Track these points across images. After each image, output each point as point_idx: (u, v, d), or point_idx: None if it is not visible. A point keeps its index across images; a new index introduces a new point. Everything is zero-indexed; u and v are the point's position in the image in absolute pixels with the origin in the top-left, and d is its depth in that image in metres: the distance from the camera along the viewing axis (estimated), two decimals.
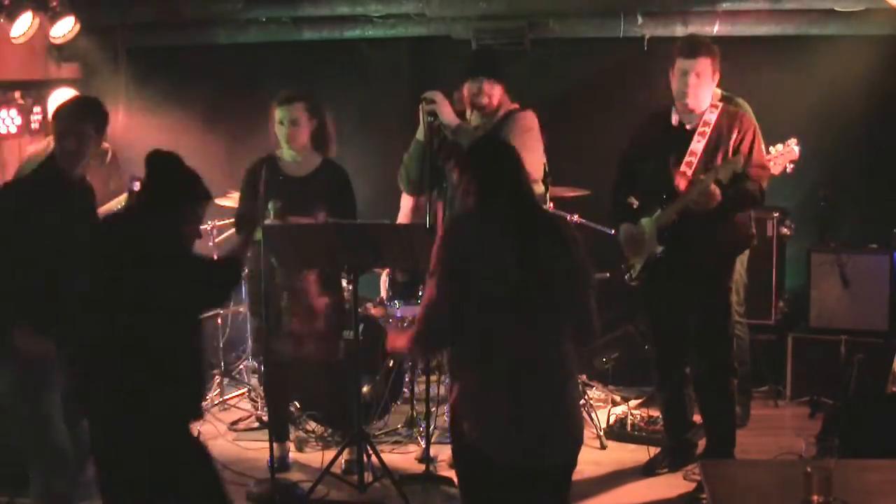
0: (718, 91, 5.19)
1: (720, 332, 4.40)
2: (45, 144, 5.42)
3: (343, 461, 4.67)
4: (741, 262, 5.19)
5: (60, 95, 5.48)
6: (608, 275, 5.09)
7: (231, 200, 5.74)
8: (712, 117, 4.27)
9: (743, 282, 5.29)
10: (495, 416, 2.88)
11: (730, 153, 4.21)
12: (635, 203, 4.48)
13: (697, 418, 4.64)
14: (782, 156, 4.94)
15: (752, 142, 4.26)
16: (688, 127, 4.30)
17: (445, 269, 2.92)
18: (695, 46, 4.22)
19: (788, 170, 4.97)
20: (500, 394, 2.88)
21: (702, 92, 4.23)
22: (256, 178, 4.42)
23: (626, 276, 4.52)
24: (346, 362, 4.70)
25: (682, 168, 4.23)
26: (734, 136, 4.23)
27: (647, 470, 4.68)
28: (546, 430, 2.88)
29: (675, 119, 4.35)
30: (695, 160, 4.23)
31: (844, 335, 5.46)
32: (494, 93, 4.37)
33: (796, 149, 4.89)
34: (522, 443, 2.85)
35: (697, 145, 4.23)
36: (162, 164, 3.26)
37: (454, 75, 4.57)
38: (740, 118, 4.31)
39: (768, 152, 4.99)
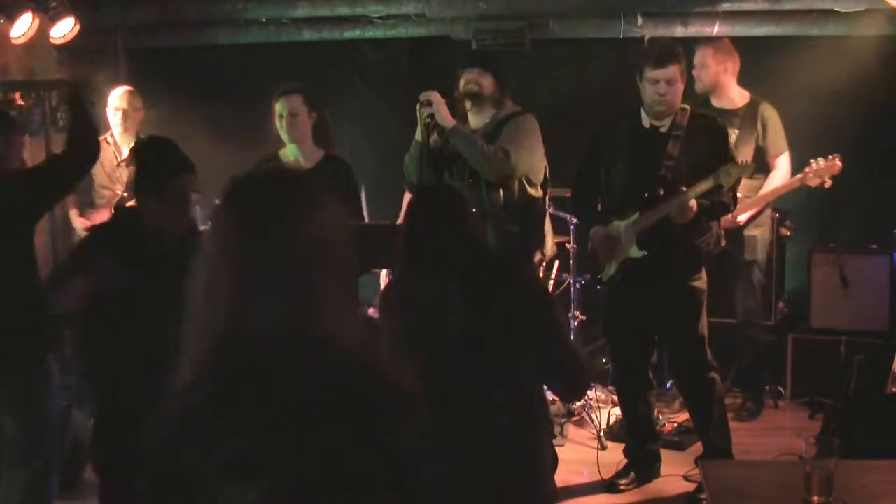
0: (746, 93, 5.25)
1: (695, 332, 4.40)
2: (102, 138, 5.51)
3: None
4: (758, 265, 5.27)
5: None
6: (589, 275, 5.13)
7: None
8: (684, 120, 4.29)
9: (760, 283, 5.37)
10: None
11: (708, 158, 4.22)
12: (599, 204, 4.51)
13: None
14: (823, 169, 4.98)
15: (728, 148, 4.33)
16: (661, 130, 4.31)
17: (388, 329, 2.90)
18: (664, 56, 4.24)
19: (827, 184, 5.02)
20: None
21: (673, 98, 4.26)
22: None
23: (597, 277, 4.52)
24: None
25: (663, 172, 4.23)
26: (712, 144, 4.28)
27: (611, 487, 4.54)
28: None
29: (646, 122, 4.35)
30: (673, 164, 4.23)
31: (844, 335, 5.45)
32: (484, 82, 4.37)
33: (839, 163, 4.94)
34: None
35: (674, 149, 4.25)
36: (144, 148, 3.34)
37: (454, 76, 4.58)
38: (713, 123, 4.38)
39: (809, 164, 5.05)
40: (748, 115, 5.24)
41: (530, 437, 2.79)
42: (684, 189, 4.14)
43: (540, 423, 2.85)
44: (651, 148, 4.29)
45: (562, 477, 4.31)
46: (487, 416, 2.70)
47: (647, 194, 4.24)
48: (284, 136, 4.67)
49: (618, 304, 4.50)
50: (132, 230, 3.29)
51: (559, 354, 2.79)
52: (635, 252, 4.31)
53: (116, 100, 5.49)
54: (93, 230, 3.60)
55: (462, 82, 4.40)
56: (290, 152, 4.72)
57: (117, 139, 5.51)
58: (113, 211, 5.39)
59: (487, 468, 2.67)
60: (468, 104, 4.41)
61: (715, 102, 5.30)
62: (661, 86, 4.21)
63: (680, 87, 4.27)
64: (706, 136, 4.27)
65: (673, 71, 4.22)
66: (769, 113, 5.21)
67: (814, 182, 5.08)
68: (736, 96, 5.29)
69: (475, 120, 4.42)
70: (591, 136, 4.54)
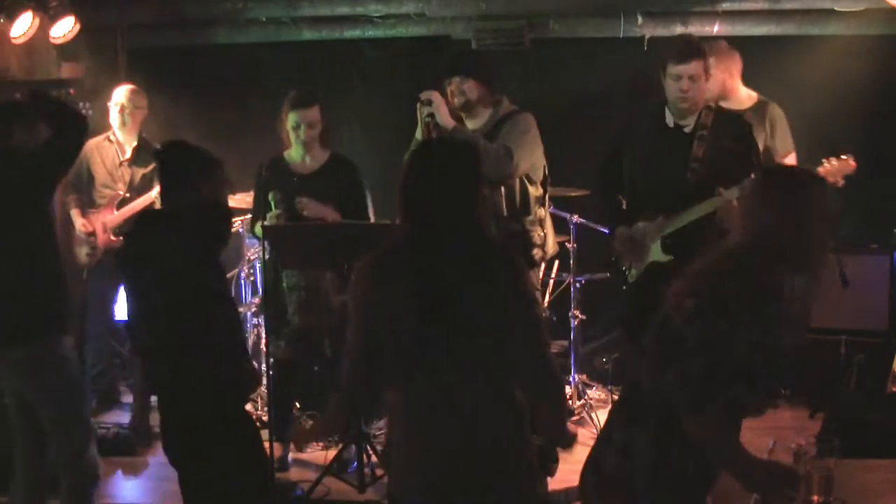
0: (754, 94, 5.21)
1: None
2: (104, 136, 5.54)
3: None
4: None
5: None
6: (608, 275, 5.09)
7: (233, 201, 5.74)
8: (709, 119, 4.21)
9: None
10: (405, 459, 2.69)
11: (735, 159, 4.12)
12: (623, 202, 4.43)
13: None
14: (837, 168, 4.94)
15: (756, 149, 4.24)
16: (686, 129, 4.23)
17: (354, 321, 2.70)
18: (687, 51, 4.17)
19: (840, 184, 4.98)
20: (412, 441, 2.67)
21: (697, 95, 4.18)
22: (259, 181, 4.72)
23: (622, 273, 4.44)
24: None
25: (689, 175, 4.14)
26: (739, 144, 4.16)
27: None
28: (451, 471, 2.61)
29: (669, 120, 4.28)
30: (698, 166, 4.14)
31: (844, 335, 5.45)
32: (467, 88, 4.32)
33: (853, 163, 4.90)
34: (424, 484, 2.64)
35: (699, 150, 4.16)
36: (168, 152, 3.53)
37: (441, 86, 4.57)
38: (739, 122, 4.28)
39: (821, 163, 5.00)
40: (756, 116, 5.20)
41: (509, 416, 2.67)
42: (722, 190, 4.02)
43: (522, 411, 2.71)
44: (675, 148, 4.19)
45: (563, 476, 4.33)
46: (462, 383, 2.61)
47: (670, 196, 4.14)
48: (300, 144, 4.68)
49: (641, 307, 4.40)
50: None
51: (532, 359, 2.67)
52: (661, 256, 4.20)
53: (118, 97, 5.49)
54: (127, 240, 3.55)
55: (448, 95, 4.33)
56: (295, 154, 4.73)
57: (119, 137, 5.50)
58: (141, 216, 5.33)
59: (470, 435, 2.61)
60: (462, 115, 4.39)
61: (723, 105, 5.28)
62: (683, 82, 4.12)
63: (704, 84, 4.18)
64: (731, 135, 4.17)
65: (696, 66, 4.12)
66: (777, 113, 5.18)
67: (829, 181, 5.04)
68: (744, 97, 5.25)
69: (472, 123, 4.40)
70: (616, 133, 4.46)
